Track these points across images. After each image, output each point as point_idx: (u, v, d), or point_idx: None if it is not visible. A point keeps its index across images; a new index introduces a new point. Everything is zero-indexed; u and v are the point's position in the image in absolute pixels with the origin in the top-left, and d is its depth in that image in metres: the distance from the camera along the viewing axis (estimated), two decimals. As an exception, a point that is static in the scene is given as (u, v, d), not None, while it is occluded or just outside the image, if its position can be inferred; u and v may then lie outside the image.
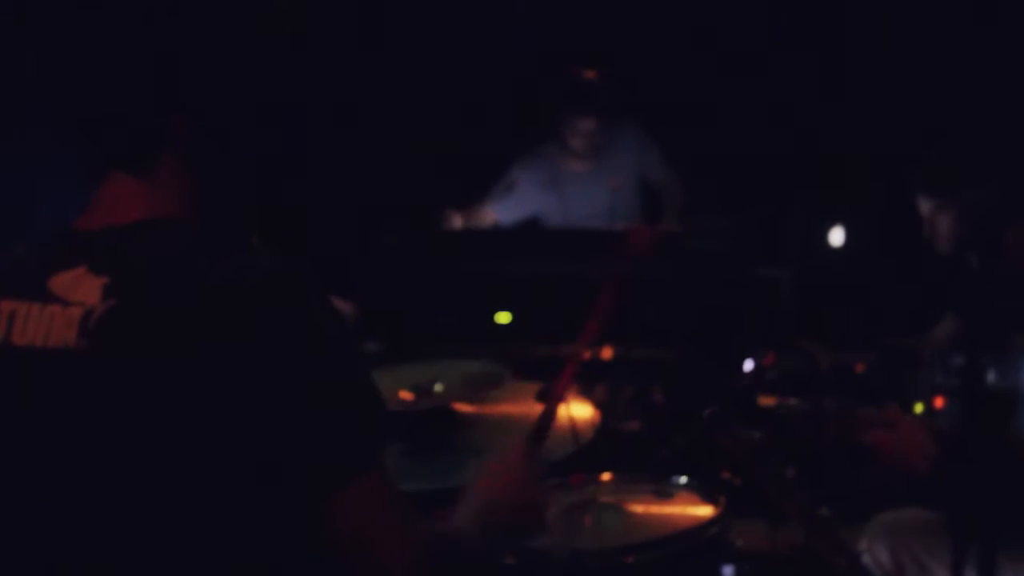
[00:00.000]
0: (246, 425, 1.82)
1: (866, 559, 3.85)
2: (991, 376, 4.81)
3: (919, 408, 4.29)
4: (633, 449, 3.25)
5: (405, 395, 3.28)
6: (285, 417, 1.83)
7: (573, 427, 3.15)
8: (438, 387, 3.29)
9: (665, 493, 3.20)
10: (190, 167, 2.00)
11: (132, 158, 1.98)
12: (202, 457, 1.83)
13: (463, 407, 3.28)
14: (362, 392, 1.92)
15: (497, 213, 6.35)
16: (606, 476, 3.30)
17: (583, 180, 6.34)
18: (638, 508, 3.12)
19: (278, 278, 1.88)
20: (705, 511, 3.05)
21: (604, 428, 3.29)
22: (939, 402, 4.64)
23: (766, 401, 3.41)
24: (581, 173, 6.36)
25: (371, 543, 1.89)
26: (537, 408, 3.24)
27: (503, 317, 5.20)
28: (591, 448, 3.17)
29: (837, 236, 5.81)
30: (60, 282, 1.93)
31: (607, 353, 5.20)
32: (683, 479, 3.20)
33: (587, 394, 4.42)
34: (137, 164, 1.98)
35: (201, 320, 1.83)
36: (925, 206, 4.82)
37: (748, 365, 3.23)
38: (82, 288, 1.90)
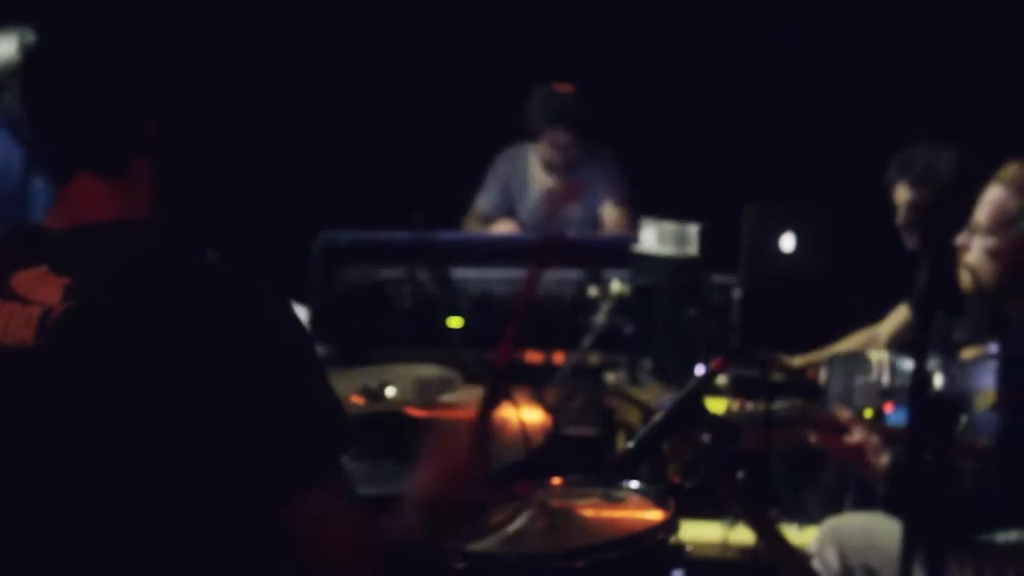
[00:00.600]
0: (202, 429, 1.83)
1: (815, 562, 3.87)
2: (939, 381, 4.85)
3: (868, 413, 4.31)
4: (583, 453, 3.24)
5: (356, 400, 3.27)
6: (243, 422, 1.84)
7: (524, 432, 3.14)
8: (390, 392, 3.28)
9: (615, 497, 3.19)
10: (158, 170, 1.99)
11: (102, 159, 1.98)
12: (156, 460, 1.83)
13: (415, 412, 3.27)
14: (321, 398, 1.92)
15: (482, 205, 6.36)
16: (556, 480, 3.30)
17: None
18: (588, 512, 3.11)
19: (238, 285, 1.89)
20: (655, 515, 3.05)
21: (555, 433, 3.29)
22: (888, 407, 4.67)
23: (717, 405, 3.41)
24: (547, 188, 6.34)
25: (329, 547, 1.89)
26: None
27: (455, 322, 5.20)
28: (541, 452, 3.17)
29: (788, 242, 5.83)
30: (21, 280, 1.93)
31: (559, 358, 5.21)
32: (633, 483, 3.20)
33: (538, 399, 4.43)
34: (106, 165, 1.98)
35: (160, 325, 1.83)
36: (902, 194, 4.84)
37: (699, 369, 3.24)
38: (43, 288, 1.90)
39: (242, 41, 2.06)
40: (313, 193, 6.72)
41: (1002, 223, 3.44)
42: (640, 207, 6.11)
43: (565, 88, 6.22)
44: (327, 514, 1.89)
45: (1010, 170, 3.52)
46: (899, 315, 5.09)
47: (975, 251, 3.48)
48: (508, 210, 6.37)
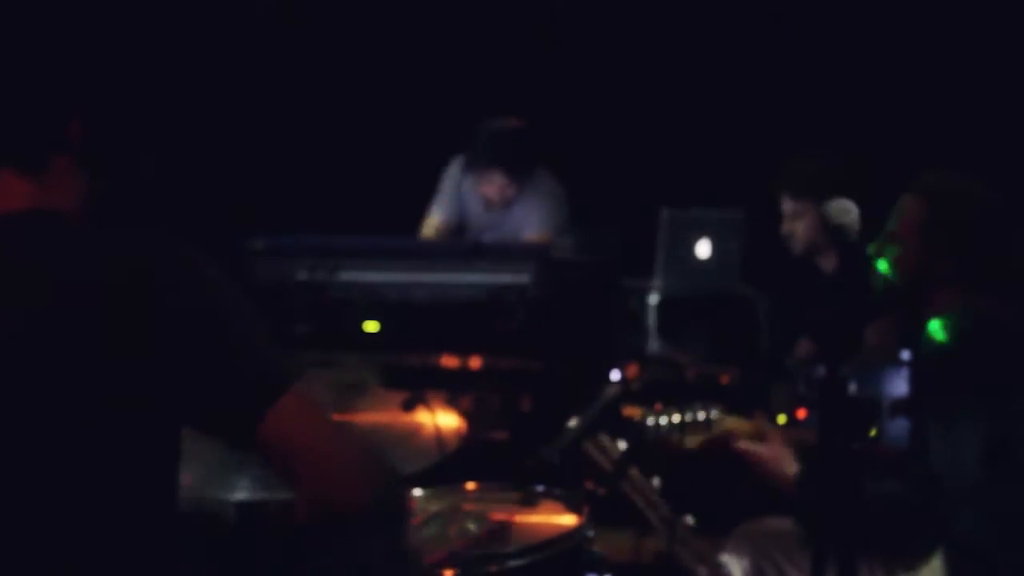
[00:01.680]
0: (159, 374, 1.90)
1: (728, 568, 3.89)
2: (852, 387, 4.88)
3: (782, 419, 4.34)
4: (499, 458, 3.24)
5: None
6: (200, 354, 1.92)
7: (438, 436, 3.14)
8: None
9: (529, 502, 3.19)
10: (80, 170, 2.02)
11: (22, 157, 1.99)
12: (114, 418, 1.90)
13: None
14: (266, 333, 2.00)
15: (435, 216, 6.35)
16: (471, 485, 3.29)
17: (487, 221, 6.32)
18: (502, 517, 3.11)
19: (163, 241, 1.95)
20: (569, 520, 3.05)
21: (470, 437, 3.28)
22: (801, 413, 4.70)
23: (631, 411, 3.42)
24: (488, 216, 6.33)
25: (310, 445, 1.97)
26: (404, 417, 3.24)
27: (371, 326, 5.18)
28: (456, 457, 3.16)
29: (703, 248, 5.86)
30: None
31: (474, 362, 5.20)
32: (548, 488, 3.20)
33: (453, 403, 4.42)
34: (28, 164, 1.99)
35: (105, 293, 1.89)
36: (788, 205, 4.89)
37: (614, 375, 3.24)
38: None
39: (172, 44, 2.06)
40: (238, 195, 6.68)
41: (915, 232, 3.47)
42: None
43: (505, 124, 6.19)
44: (301, 419, 1.96)
45: (923, 180, 3.55)
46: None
47: (886, 259, 3.51)
48: (461, 219, 6.35)
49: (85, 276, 1.90)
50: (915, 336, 3.51)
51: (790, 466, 3.43)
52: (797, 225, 4.87)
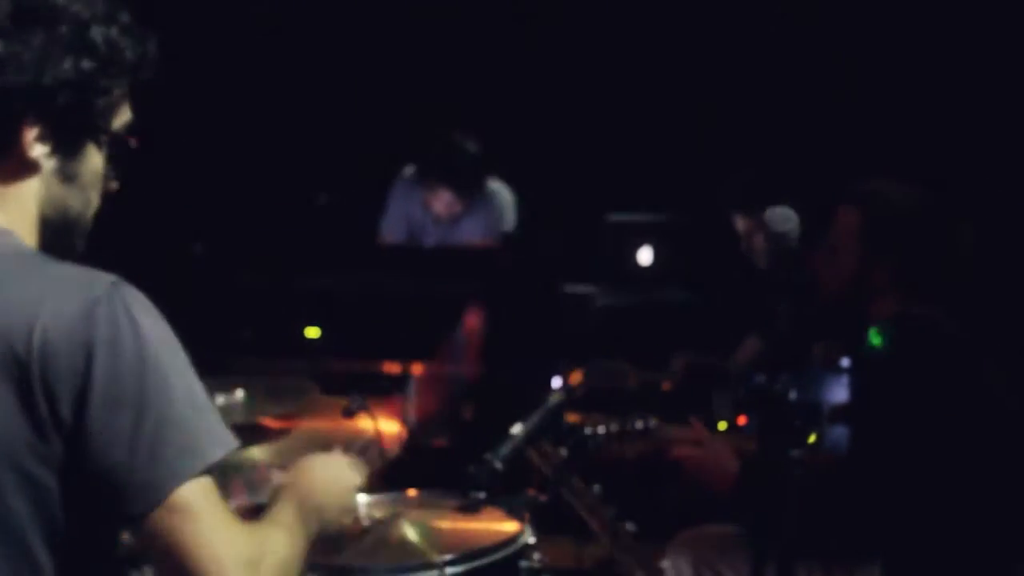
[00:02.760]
0: (64, 440, 1.83)
1: (669, 574, 3.90)
2: (793, 394, 4.91)
3: (723, 426, 4.36)
4: (440, 465, 3.23)
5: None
6: (108, 433, 1.83)
7: (380, 443, 3.13)
8: (244, 402, 3.24)
9: (471, 509, 3.19)
10: (31, 179, 1.98)
11: None
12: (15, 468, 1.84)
13: (268, 422, 3.23)
14: (190, 406, 1.91)
15: (386, 231, 6.35)
16: (412, 492, 3.29)
17: (436, 233, 6.31)
18: (443, 524, 3.10)
19: (106, 296, 1.87)
20: (511, 527, 3.05)
21: (411, 444, 3.28)
22: (742, 420, 4.72)
23: (573, 418, 3.42)
24: (437, 228, 6.32)
25: (196, 552, 1.87)
26: (343, 423, 3.22)
27: (311, 332, 5.17)
28: (397, 464, 3.15)
29: (645, 255, 5.88)
30: None
31: (417, 369, 5.20)
32: (489, 495, 3.20)
33: (395, 409, 4.41)
34: None
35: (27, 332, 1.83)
36: (740, 223, 4.93)
37: (556, 382, 3.24)
38: None
39: (122, 56, 2.01)
40: (181, 199, 6.65)
41: (851, 241, 3.50)
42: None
43: (453, 140, 6.19)
44: (193, 522, 1.87)
45: (856, 189, 3.57)
46: (751, 344, 5.15)
47: (827, 269, 3.53)
48: (410, 233, 6.36)
49: (15, 317, 1.85)
50: (854, 344, 3.54)
51: (731, 472, 3.44)
52: (754, 241, 4.91)
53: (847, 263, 3.50)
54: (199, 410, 1.92)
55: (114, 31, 1.98)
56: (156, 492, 1.86)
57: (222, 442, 1.94)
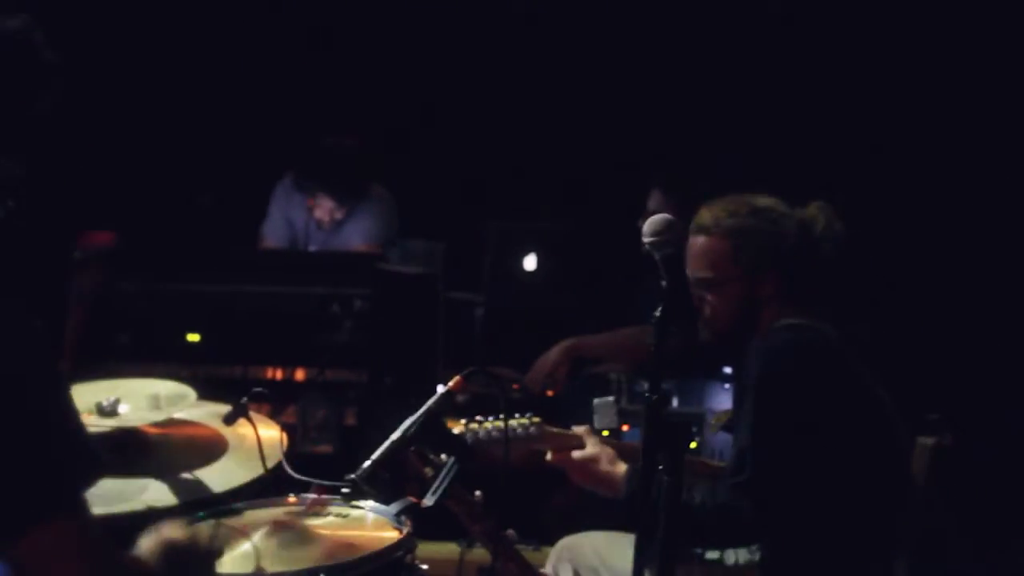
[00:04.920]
0: None
1: (551, 581, 3.91)
2: (675, 401, 4.94)
3: (605, 432, 4.37)
4: (321, 471, 3.21)
5: (88, 416, 3.17)
6: None
7: (260, 449, 3.10)
8: (123, 408, 3.19)
9: (352, 516, 3.17)
10: None
11: None
12: None
13: (148, 428, 3.19)
14: (60, 432, 1.87)
15: (268, 234, 6.29)
16: (292, 499, 3.26)
17: (318, 239, 6.28)
18: (324, 531, 3.08)
19: None
20: (392, 534, 3.03)
21: (293, 450, 3.25)
22: (625, 427, 4.75)
23: (456, 424, 3.41)
24: (319, 233, 6.29)
25: None
26: (225, 431, 3.19)
27: (192, 337, 5.11)
28: (279, 470, 3.13)
29: (530, 262, 5.89)
30: None
31: (300, 375, 5.16)
32: (370, 502, 3.18)
33: (276, 416, 4.37)
34: None
35: None
36: (655, 202, 4.92)
37: (439, 388, 3.24)
38: None
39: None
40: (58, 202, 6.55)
41: (728, 268, 3.52)
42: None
43: (333, 147, 6.16)
44: (61, 552, 1.84)
45: (710, 217, 3.56)
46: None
47: (715, 306, 3.55)
48: (292, 238, 6.31)
49: None
50: (736, 351, 3.56)
51: (614, 470, 3.45)
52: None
53: (732, 290, 3.51)
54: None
55: None
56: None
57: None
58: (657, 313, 2.60)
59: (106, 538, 1.93)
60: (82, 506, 1.86)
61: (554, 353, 5.02)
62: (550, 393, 4.99)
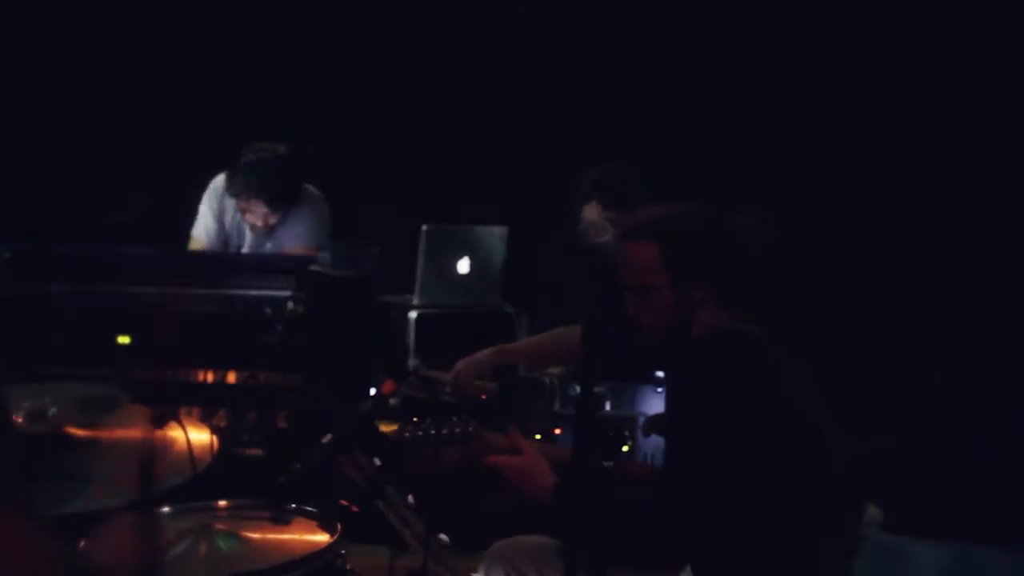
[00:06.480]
0: None
1: (483, 585, 3.90)
2: (608, 406, 4.95)
3: (538, 436, 4.37)
4: (252, 475, 3.19)
5: (16, 419, 3.14)
6: None
7: (190, 453, 3.08)
8: (52, 411, 3.16)
9: (282, 520, 3.16)
10: None
11: None
12: None
13: (77, 431, 3.16)
14: None
15: (199, 236, 6.25)
16: (223, 503, 3.24)
17: (251, 242, 6.24)
18: (255, 535, 3.07)
19: None
20: (322, 538, 3.02)
21: (223, 453, 3.23)
22: (558, 430, 4.75)
23: (387, 427, 3.41)
24: (253, 236, 6.25)
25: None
26: (154, 434, 3.17)
27: (123, 339, 5.07)
28: (208, 474, 3.11)
29: (464, 265, 5.89)
30: None
31: (231, 377, 5.13)
32: (300, 506, 3.17)
33: (207, 419, 4.35)
34: None
35: None
36: (591, 212, 4.92)
37: (371, 391, 3.23)
38: None
39: None
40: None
41: (658, 273, 3.53)
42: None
43: (265, 152, 6.12)
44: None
45: (637, 223, 3.57)
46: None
47: (647, 313, 3.56)
48: (224, 239, 6.27)
49: None
50: (669, 356, 3.57)
51: (545, 478, 3.45)
52: (593, 234, 4.92)
53: (662, 296, 3.52)
54: None
55: None
56: None
57: None
58: (590, 318, 2.61)
59: (44, 528, 1.92)
60: (14, 503, 1.85)
61: (482, 356, 5.01)
62: (483, 396, 4.98)
